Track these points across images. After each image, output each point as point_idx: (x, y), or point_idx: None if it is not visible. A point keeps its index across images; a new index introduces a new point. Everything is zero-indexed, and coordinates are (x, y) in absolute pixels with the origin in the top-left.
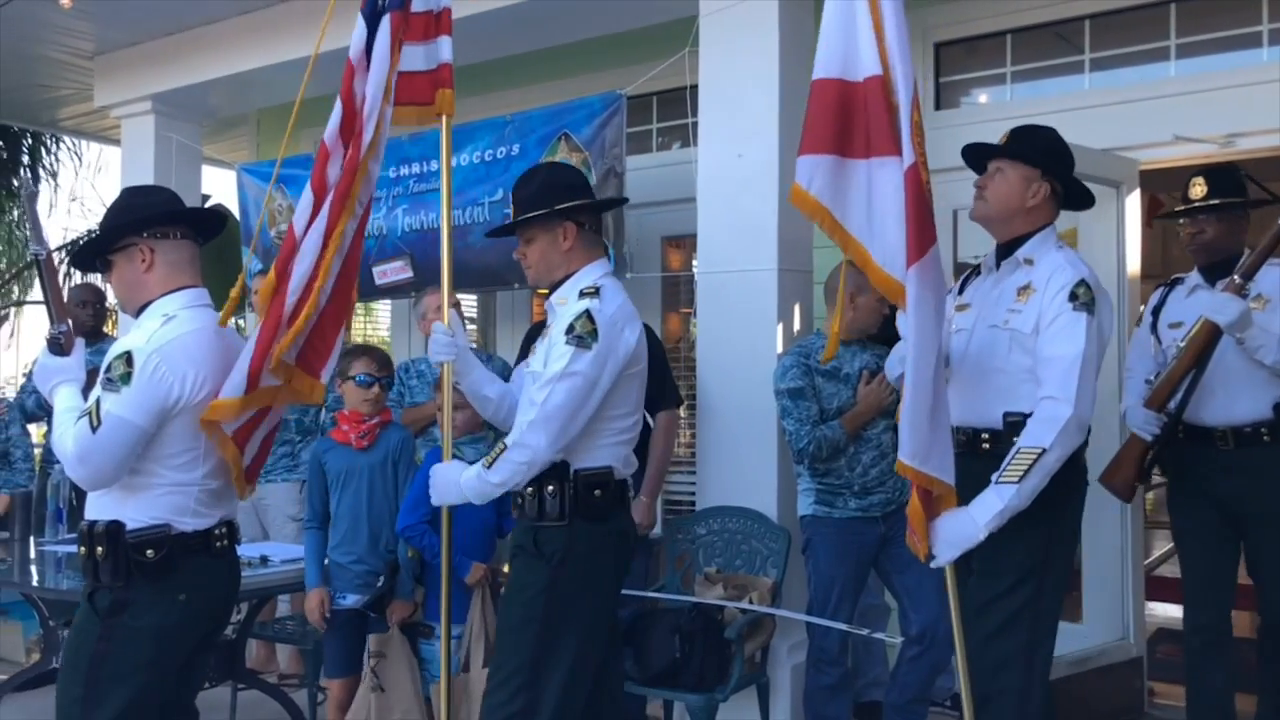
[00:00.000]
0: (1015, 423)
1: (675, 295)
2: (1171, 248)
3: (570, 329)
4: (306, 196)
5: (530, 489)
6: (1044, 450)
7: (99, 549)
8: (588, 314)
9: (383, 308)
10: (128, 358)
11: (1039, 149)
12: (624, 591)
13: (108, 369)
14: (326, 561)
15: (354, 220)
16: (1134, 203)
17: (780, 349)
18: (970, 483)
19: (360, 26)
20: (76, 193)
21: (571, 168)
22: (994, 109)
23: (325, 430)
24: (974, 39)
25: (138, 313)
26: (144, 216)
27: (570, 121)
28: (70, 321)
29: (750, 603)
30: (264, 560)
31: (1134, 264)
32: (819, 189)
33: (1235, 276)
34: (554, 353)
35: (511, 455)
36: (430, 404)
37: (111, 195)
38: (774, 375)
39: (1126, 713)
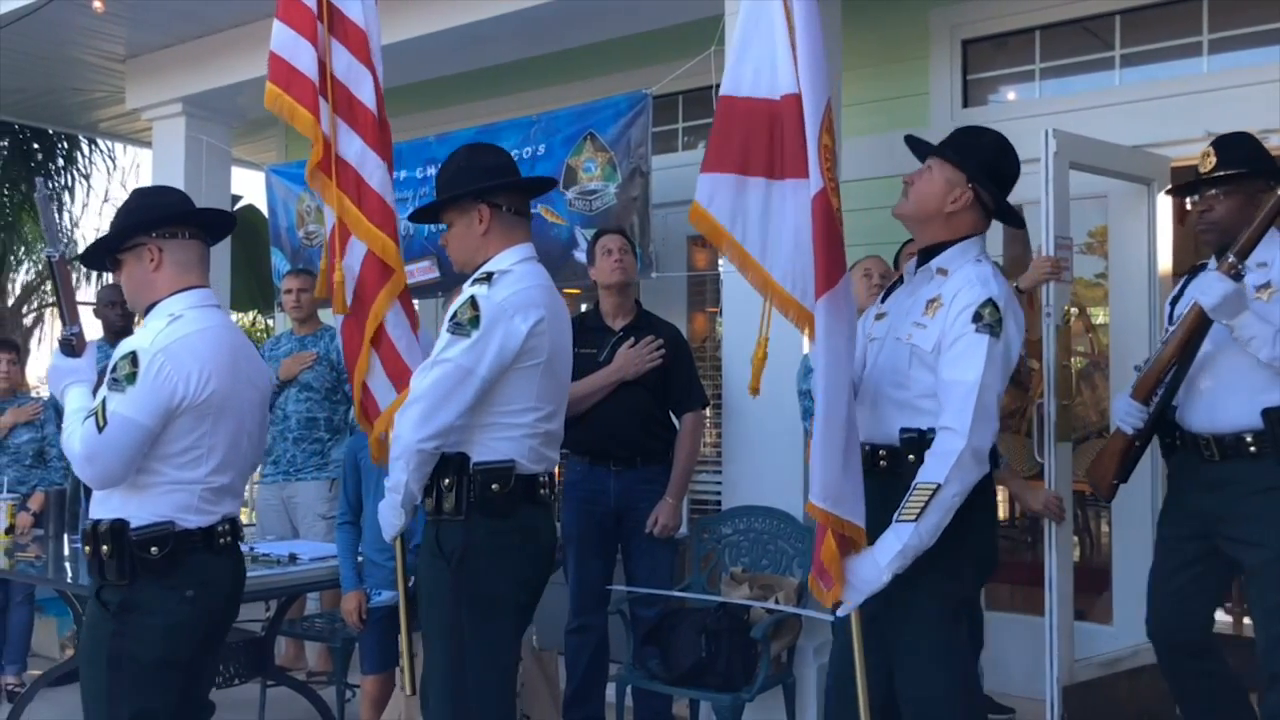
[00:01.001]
0: (911, 439)
1: (701, 295)
2: (1203, 250)
3: (452, 315)
4: (358, 148)
5: (429, 482)
6: (939, 486)
7: (104, 547)
8: (472, 300)
9: None
10: (133, 358)
11: (971, 154)
12: (649, 590)
13: (113, 369)
14: (360, 559)
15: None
16: (1165, 201)
17: (807, 348)
18: (869, 501)
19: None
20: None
21: (493, 149)
22: (1023, 106)
23: (355, 428)
24: (1002, 35)
25: (145, 312)
26: (153, 217)
27: (596, 121)
28: (81, 323)
29: (776, 603)
30: (293, 558)
31: (1165, 262)
32: (718, 208)
33: (1230, 255)
34: (438, 341)
35: (390, 451)
36: None
37: None
38: (797, 375)
39: (1156, 715)
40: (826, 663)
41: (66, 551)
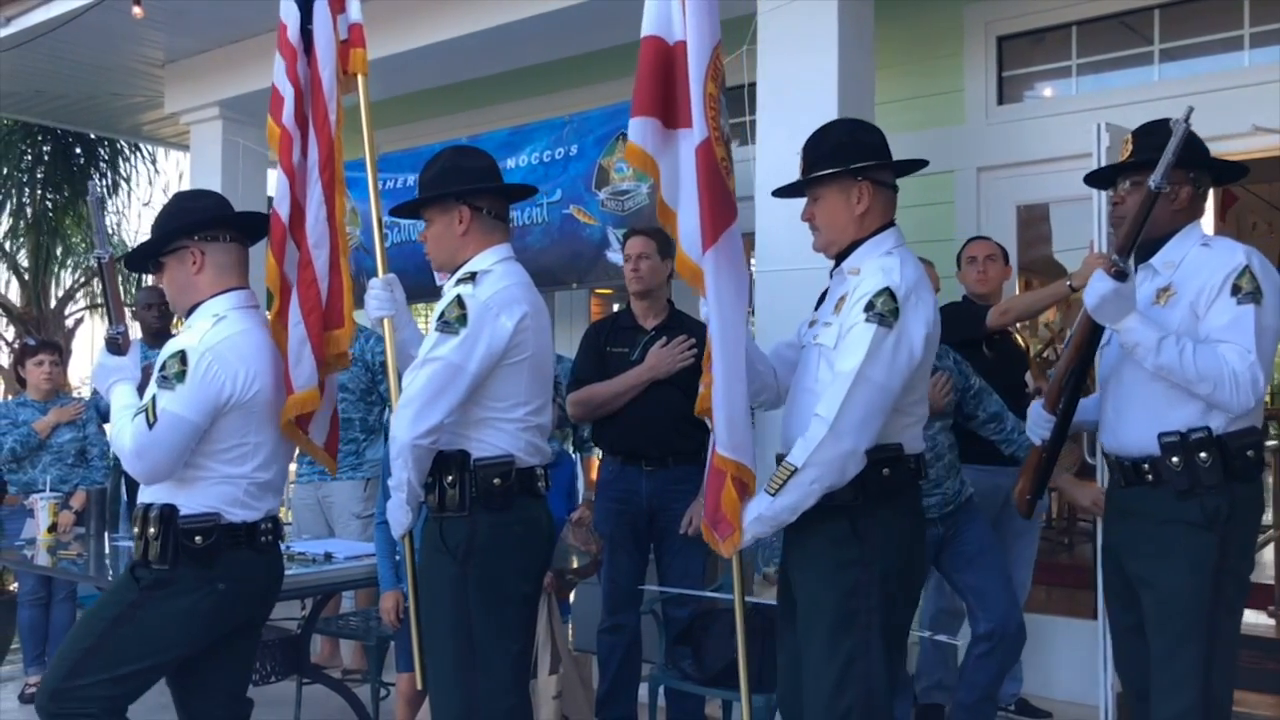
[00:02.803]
0: None
1: None
2: (1246, 240)
3: (440, 315)
4: (282, 181)
5: (431, 479)
6: (796, 469)
7: (151, 530)
8: (458, 299)
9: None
10: (182, 356)
11: (839, 153)
12: (682, 591)
13: (162, 367)
14: (398, 558)
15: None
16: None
17: None
18: None
19: (293, 8)
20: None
21: (478, 152)
22: (1058, 103)
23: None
24: (1038, 31)
25: (188, 313)
26: (195, 220)
27: (628, 122)
28: (127, 323)
29: None
30: (328, 557)
31: None
32: (653, 149)
33: (1111, 253)
34: (426, 340)
35: (390, 450)
36: None
37: None
38: None
39: None
40: None
41: (108, 549)
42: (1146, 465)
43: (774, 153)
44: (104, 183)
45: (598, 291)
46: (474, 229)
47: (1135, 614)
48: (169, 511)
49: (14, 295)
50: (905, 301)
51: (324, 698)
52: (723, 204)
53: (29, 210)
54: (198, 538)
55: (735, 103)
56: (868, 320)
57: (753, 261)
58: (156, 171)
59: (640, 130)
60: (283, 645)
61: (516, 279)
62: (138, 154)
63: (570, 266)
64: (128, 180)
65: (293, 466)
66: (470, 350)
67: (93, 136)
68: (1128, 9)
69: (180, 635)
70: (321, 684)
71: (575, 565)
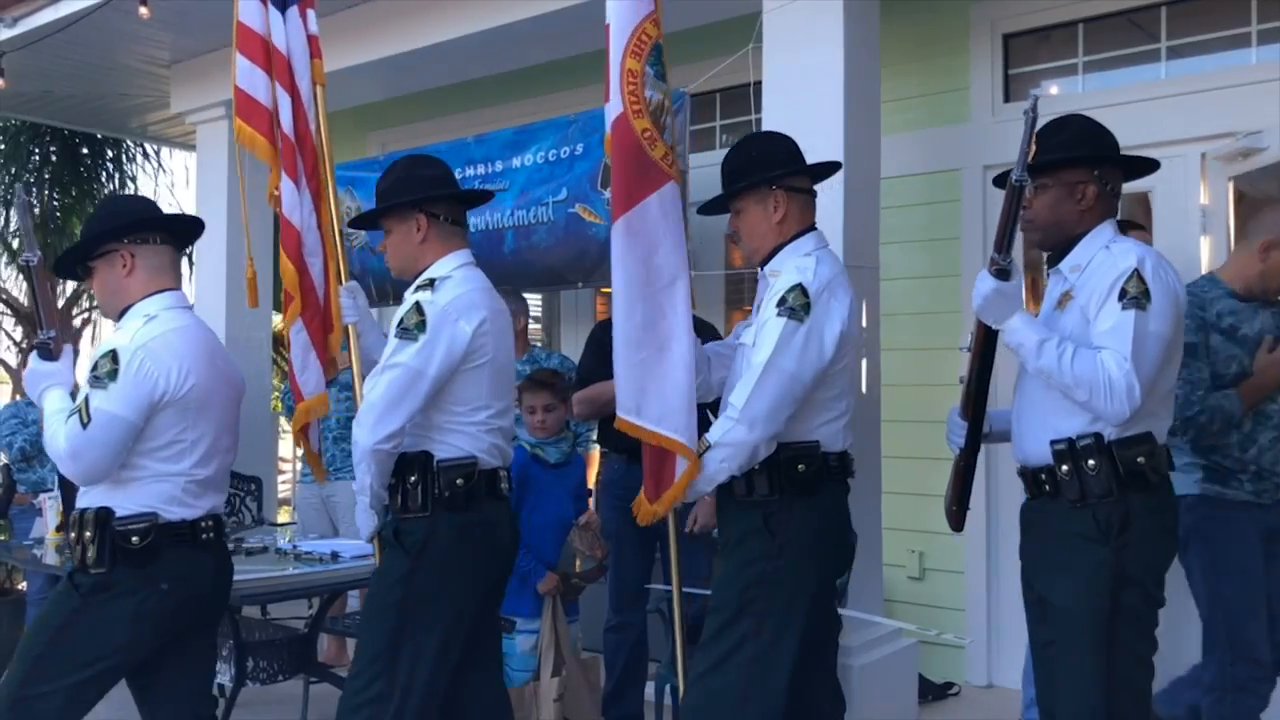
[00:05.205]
0: None
1: (739, 293)
2: None
3: (400, 321)
4: (290, 190)
5: (395, 480)
6: (710, 446)
7: (86, 534)
8: (416, 305)
9: None
10: (113, 355)
11: (752, 165)
12: (687, 590)
13: (94, 368)
14: None
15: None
16: (1210, 193)
17: None
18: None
19: (274, 14)
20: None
21: (434, 160)
22: (1065, 101)
23: None
24: (1044, 29)
25: (119, 316)
26: (123, 223)
27: None
28: (59, 327)
29: None
30: (335, 556)
31: (1208, 255)
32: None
33: (993, 252)
34: (387, 347)
35: (353, 455)
36: None
37: (190, 201)
38: None
39: None
40: (868, 664)
41: None
42: (1044, 475)
43: None
44: (111, 183)
45: (603, 290)
46: (432, 236)
47: (1047, 630)
48: (104, 514)
49: (21, 295)
50: (818, 298)
51: (331, 696)
52: (638, 175)
53: (36, 210)
54: (134, 538)
55: (741, 101)
56: (779, 314)
57: None
58: (163, 171)
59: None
60: (290, 644)
61: (476, 284)
62: (140, 151)
63: (576, 265)
64: (134, 180)
65: (298, 466)
66: (430, 355)
67: (99, 137)
68: (1135, 6)
69: (128, 638)
70: (328, 683)
71: (579, 569)
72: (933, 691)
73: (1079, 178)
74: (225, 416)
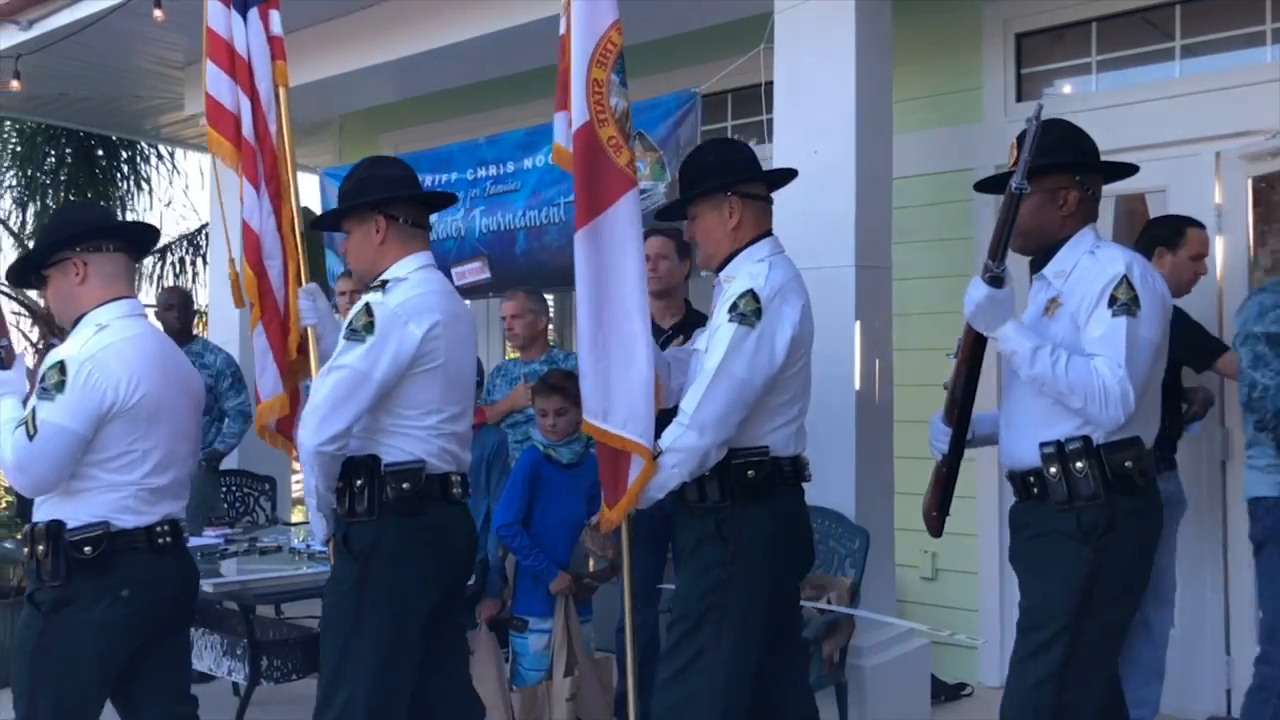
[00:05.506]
0: None
1: None
2: None
3: (349, 323)
4: (250, 193)
5: (342, 483)
6: (661, 451)
7: (40, 548)
8: (366, 307)
9: None
10: (61, 366)
11: (708, 173)
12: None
13: (42, 379)
14: None
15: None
16: (1227, 192)
17: (859, 347)
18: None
19: (236, 19)
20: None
21: (395, 161)
22: (1078, 100)
23: None
24: (1057, 29)
25: (73, 324)
26: (76, 232)
27: (645, 120)
28: (11, 336)
29: (829, 603)
30: None
31: (1223, 255)
32: (566, 142)
33: (987, 258)
34: (337, 348)
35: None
36: (504, 400)
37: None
38: (1243, 316)
39: None
40: (880, 664)
41: None
42: (1032, 478)
43: (791, 152)
44: (125, 184)
45: None
46: (391, 238)
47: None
48: (55, 527)
49: (38, 296)
50: (769, 304)
51: None
52: (601, 186)
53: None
54: (87, 548)
55: (752, 101)
56: (730, 320)
57: None
58: (177, 173)
59: (560, 124)
60: (304, 643)
61: (432, 287)
62: (154, 152)
63: None
64: (148, 181)
65: None
66: (376, 358)
67: (114, 138)
68: (1149, 5)
69: (99, 648)
70: None
71: (592, 568)
72: (945, 692)
73: (1061, 183)
74: (181, 424)
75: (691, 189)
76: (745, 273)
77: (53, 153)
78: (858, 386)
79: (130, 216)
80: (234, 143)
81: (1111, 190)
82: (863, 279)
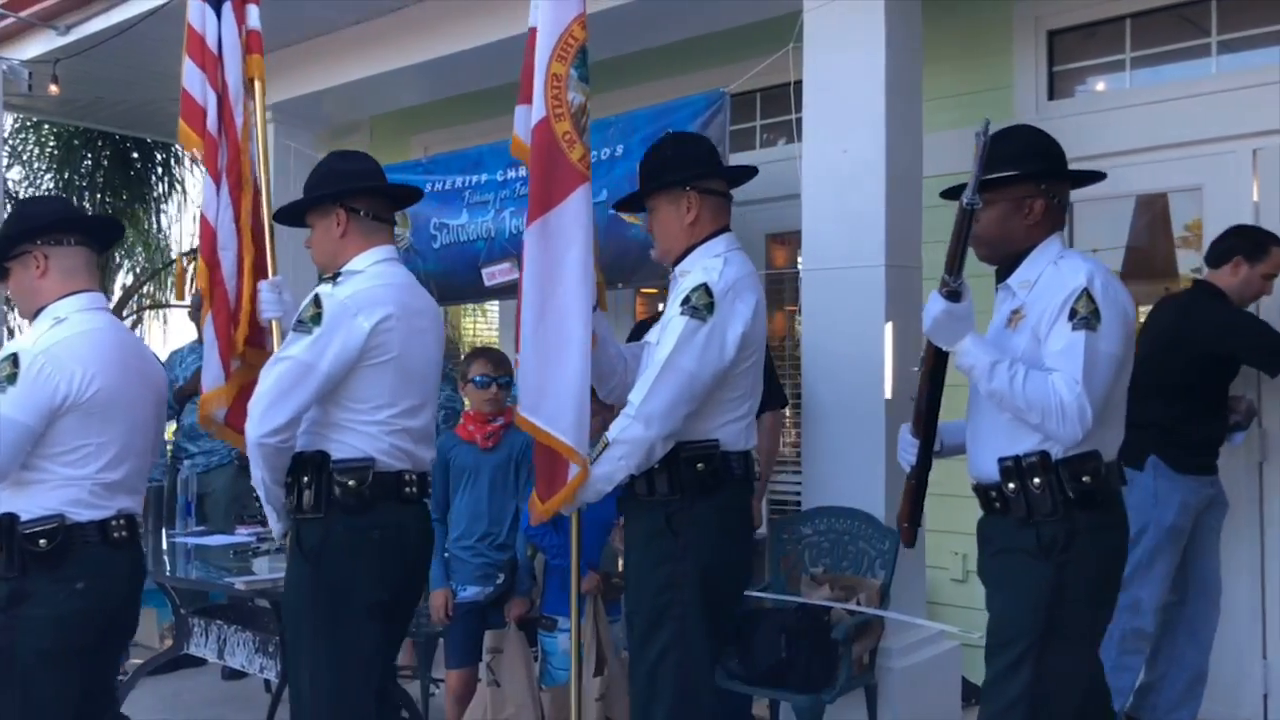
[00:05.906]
0: None
1: (780, 293)
2: None
3: (299, 314)
4: (210, 186)
5: (291, 479)
6: (609, 443)
7: None
8: (315, 298)
9: (491, 308)
10: (14, 359)
11: (668, 168)
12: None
13: None
14: (446, 555)
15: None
16: (1260, 192)
17: (889, 347)
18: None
19: (210, 14)
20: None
21: (361, 155)
22: (1111, 98)
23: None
24: (1090, 25)
25: (33, 317)
26: (37, 225)
27: (674, 121)
28: None
29: (858, 604)
30: None
31: None
32: (526, 136)
33: (944, 273)
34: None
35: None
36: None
37: None
38: None
39: None
40: (910, 665)
41: (165, 545)
42: (994, 493)
43: (820, 150)
44: (160, 185)
45: (643, 290)
46: (352, 231)
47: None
48: (8, 520)
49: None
50: (722, 298)
51: None
52: (555, 178)
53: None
54: (42, 540)
55: (782, 101)
56: (682, 313)
57: (799, 260)
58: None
59: (522, 117)
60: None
61: (388, 280)
62: (190, 155)
63: (617, 266)
64: (181, 183)
65: None
66: (322, 350)
67: (149, 141)
68: (1184, 0)
69: (57, 643)
70: None
71: (621, 568)
72: (976, 694)
73: (1026, 192)
74: (139, 418)
75: (650, 183)
76: (700, 267)
77: (89, 156)
78: (888, 386)
79: (164, 218)
80: (200, 135)
81: (1139, 189)
82: (892, 278)
